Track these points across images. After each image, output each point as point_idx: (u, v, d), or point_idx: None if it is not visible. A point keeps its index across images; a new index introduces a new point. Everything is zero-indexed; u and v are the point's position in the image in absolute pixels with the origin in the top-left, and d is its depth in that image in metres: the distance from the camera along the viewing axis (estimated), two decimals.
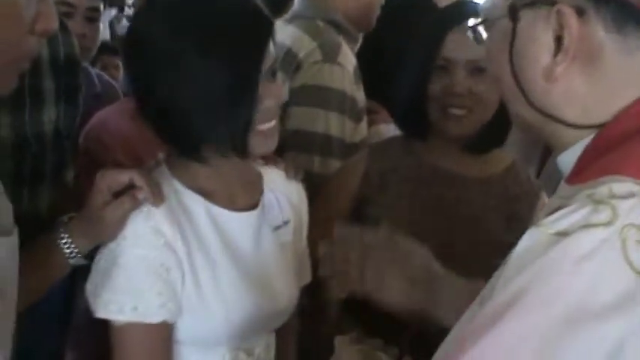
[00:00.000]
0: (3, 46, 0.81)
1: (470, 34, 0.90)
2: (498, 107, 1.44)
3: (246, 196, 1.26)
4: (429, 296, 1.10)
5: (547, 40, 0.76)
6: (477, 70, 1.46)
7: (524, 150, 2.16)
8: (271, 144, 1.18)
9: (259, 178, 1.31)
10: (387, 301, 1.10)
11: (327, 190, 1.64)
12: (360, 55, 2.01)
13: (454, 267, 1.48)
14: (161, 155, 1.22)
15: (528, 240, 0.71)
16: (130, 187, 1.11)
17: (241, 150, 1.14)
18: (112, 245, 1.12)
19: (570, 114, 0.78)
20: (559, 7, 0.75)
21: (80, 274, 1.18)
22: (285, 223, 1.30)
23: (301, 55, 1.84)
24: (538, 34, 0.77)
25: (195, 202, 1.18)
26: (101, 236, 1.13)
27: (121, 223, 1.11)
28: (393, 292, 1.09)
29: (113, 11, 6.95)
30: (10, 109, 1.22)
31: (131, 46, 1.15)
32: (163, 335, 1.14)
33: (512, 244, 0.73)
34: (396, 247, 1.12)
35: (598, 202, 0.69)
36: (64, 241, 1.12)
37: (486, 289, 0.78)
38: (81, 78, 1.41)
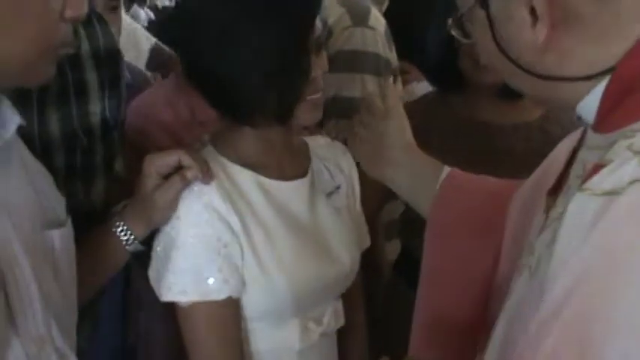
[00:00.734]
0: (35, 36, 0.81)
1: (454, 32, 0.88)
2: None
3: (295, 165, 1.24)
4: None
5: (522, 14, 0.75)
6: None
7: None
8: (317, 115, 1.17)
9: (306, 146, 1.29)
10: None
11: None
12: (387, 15, 1.98)
13: None
14: (206, 136, 1.22)
15: (576, 208, 0.67)
16: (179, 168, 1.10)
17: (287, 118, 1.13)
18: (167, 228, 1.12)
19: (575, 70, 0.75)
20: None
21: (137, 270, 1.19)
22: (337, 188, 1.28)
23: (330, 21, 1.81)
24: (512, 13, 0.76)
25: (245, 177, 1.17)
26: (155, 220, 1.12)
27: (173, 205, 1.10)
28: None
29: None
30: (58, 105, 1.23)
31: (182, 12, 1.14)
32: (230, 311, 1.13)
33: None
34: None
35: None
36: (120, 229, 1.12)
37: (532, 256, 0.75)
38: (122, 67, 1.43)
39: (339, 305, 1.30)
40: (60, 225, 0.97)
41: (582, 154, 0.81)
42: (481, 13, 0.79)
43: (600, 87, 0.74)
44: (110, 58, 1.36)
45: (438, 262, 1.16)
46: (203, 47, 1.10)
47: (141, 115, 1.64)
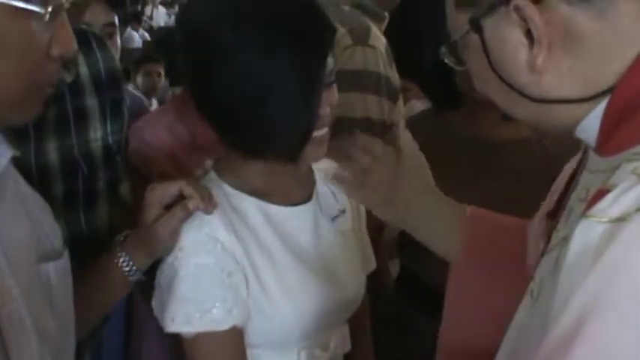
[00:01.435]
0: (21, 75, 0.79)
1: (448, 60, 0.86)
2: None
3: (299, 190, 1.21)
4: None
5: (518, 37, 0.73)
6: None
7: None
8: (322, 152, 1.14)
9: (310, 170, 1.26)
10: None
11: None
12: (387, 34, 1.96)
13: None
14: (208, 162, 1.19)
15: (581, 236, 0.64)
16: (181, 198, 1.08)
17: (296, 157, 1.11)
18: (170, 259, 1.09)
19: (574, 91, 0.73)
20: (515, 3, 0.71)
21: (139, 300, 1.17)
22: (342, 212, 1.25)
23: None
24: (507, 36, 0.74)
25: (248, 203, 1.14)
26: (158, 250, 1.10)
27: (175, 235, 1.08)
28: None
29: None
30: (57, 134, 1.22)
31: (189, 36, 1.10)
32: (235, 341, 1.10)
33: None
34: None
35: None
36: (122, 259, 1.10)
37: (534, 281, 0.73)
38: (124, 90, 1.41)
39: (346, 330, 1.27)
40: (57, 257, 0.96)
41: (585, 178, 0.79)
42: (475, 38, 0.77)
43: (600, 108, 0.72)
44: (111, 82, 1.34)
45: (465, 296, 1.15)
46: (218, 86, 1.07)
47: (142, 140, 1.61)
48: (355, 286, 1.24)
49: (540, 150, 1.48)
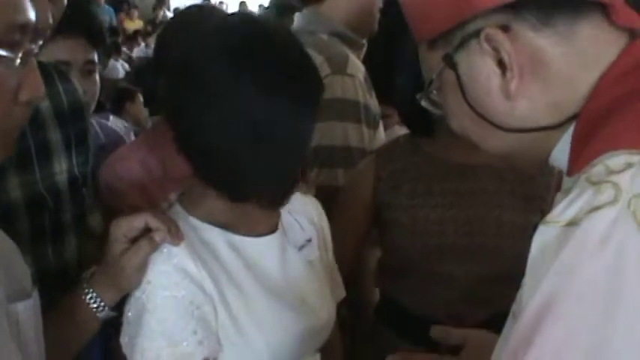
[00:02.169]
0: None
1: (424, 103, 0.86)
2: None
3: (265, 221, 1.20)
4: None
5: (490, 67, 0.75)
6: None
7: None
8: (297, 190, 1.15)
9: None
10: None
11: (340, 202, 1.59)
12: (366, 61, 1.96)
13: (477, 259, 1.42)
14: (173, 195, 1.17)
15: (540, 240, 0.67)
16: (147, 231, 1.06)
17: (284, 201, 1.11)
18: (137, 293, 1.06)
19: (546, 118, 0.75)
20: (485, 33, 0.73)
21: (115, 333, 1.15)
22: (309, 241, 1.24)
23: None
24: (480, 68, 0.76)
25: (214, 235, 1.12)
26: (125, 285, 1.07)
27: (142, 269, 1.06)
28: None
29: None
30: (18, 170, 1.19)
31: (179, 74, 1.08)
32: None
33: (535, 226, 0.69)
34: None
35: (597, 182, 0.66)
36: (89, 296, 1.08)
37: (516, 302, 0.73)
38: (88, 121, 1.39)
39: (318, 358, 1.25)
40: (26, 296, 0.93)
41: (558, 199, 0.79)
42: (450, 74, 0.78)
43: (568, 135, 0.74)
44: (75, 113, 1.33)
45: None
46: (207, 125, 1.04)
47: (113, 173, 1.60)
48: (325, 314, 1.23)
49: (513, 173, 1.50)
